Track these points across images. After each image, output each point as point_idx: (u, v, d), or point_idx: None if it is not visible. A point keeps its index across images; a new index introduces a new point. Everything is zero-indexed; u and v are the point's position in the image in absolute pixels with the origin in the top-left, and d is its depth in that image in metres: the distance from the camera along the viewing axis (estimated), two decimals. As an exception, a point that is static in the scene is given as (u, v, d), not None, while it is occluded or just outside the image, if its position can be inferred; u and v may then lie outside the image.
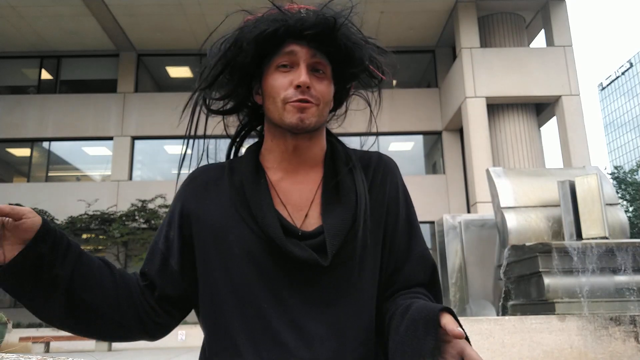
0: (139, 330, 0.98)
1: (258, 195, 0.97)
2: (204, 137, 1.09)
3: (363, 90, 1.13)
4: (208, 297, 0.97)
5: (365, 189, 1.00)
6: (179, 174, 1.10)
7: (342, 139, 1.13)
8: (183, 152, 1.07)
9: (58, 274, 0.88)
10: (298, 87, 0.95)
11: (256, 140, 1.12)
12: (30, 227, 0.86)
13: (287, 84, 0.96)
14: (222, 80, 1.04)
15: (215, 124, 1.12)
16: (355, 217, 0.97)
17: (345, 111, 1.15)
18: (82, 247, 0.94)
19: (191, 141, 1.06)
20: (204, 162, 1.10)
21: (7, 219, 0.86)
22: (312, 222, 0.98)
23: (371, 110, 1.13)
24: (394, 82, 17.82)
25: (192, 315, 1.08)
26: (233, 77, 1.03)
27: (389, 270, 1.02)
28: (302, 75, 0.96)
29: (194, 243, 0.99)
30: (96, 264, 0.94)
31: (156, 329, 1.00)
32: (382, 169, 1.07)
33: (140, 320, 0.97)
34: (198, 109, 1.06)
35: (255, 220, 0.95)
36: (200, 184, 1.04)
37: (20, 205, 0.87)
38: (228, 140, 1.14)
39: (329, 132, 1.12)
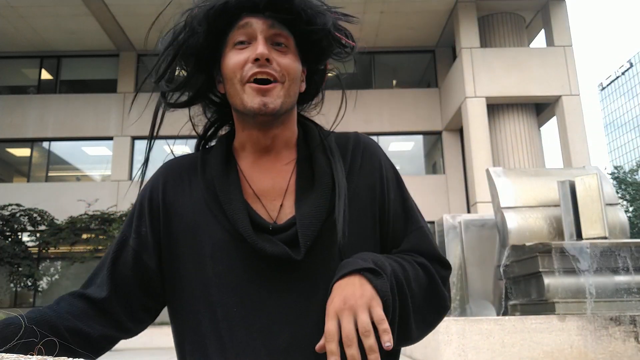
0: (108, 344, 0.90)
1: (227, 189, 0.90)
2: (175, 137, 1.01)
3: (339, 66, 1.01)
4: (179, 298, 0.91)
5: (343, 172, 0.91)
6: (143, 175, 1.01)
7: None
8: (147, 154, 0.99)
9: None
10: (256, 60, 0.86)
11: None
12: None
13: (243, 61, 0.87)
14: (177, 69, 0.95)
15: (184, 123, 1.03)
16: (332, 203, 0.88)
17: (322, 97, 1.04)
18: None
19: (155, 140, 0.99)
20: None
21: None
22: (287, 212, 0.90)
23: (342, 86, 1.01)
24: (394, 82, 17.84)
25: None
26: (188, 64, 0.94)
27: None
28: (259, 47, 0.86)
29: (165, 238, 0.92)
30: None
31: (124, 337, 0.93)
32: (362, 151, 0.97)
33: (106, 338, 0.88)
34: (159, 105, 0.97)
35: (226, 217, 0.88)
36: (175, 175, 0.97)
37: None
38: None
39: (300, 115, 1.03)
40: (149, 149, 1.00)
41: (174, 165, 0.99)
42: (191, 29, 0.90)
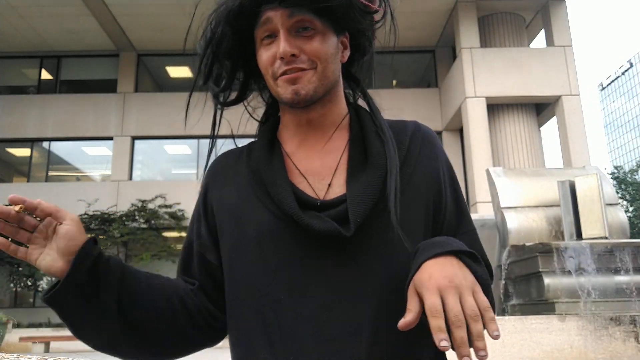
0: (200, 340, 0.93)
1: (271, 169, 0.88)
2: (232, 136, 1.02)
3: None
4: (228, 289, 0.90)
5: (396, 152, 0.87)
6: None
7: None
8: (208, 157, 1.00)
9: (104, 300, 0.82)
10: (282, 58, 0.86)
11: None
12: (65, 236, 0.80)
13: (272, 58, 0.88)
14: (219, 70, 0.97)
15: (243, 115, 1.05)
16: (385, 183, 0.84)
17: (372, 57, 1.06)
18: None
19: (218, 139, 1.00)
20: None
21: (52, 222, 0.81)
22: (336, 191, 0.87)
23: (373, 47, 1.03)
24: (394, 82, 17.84)
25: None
26: (227, 64, 0.96)
27: None
28: (281, 45, 0.85)
29: (219, 231, 0.93)
30: (143, 279, 0.88)
31: (215, 334, 0.95)
32: (421, 139, 0.94)
33: (199, 329, 0.92)
34: (214, 107, 0.99)
35: (271, 198, 0.86)
36: (220, 170, 0.97)
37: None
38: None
39: (350, 96, 1.04)
40: (211, 152, 1.00)
41: (222, 159, 1.00)
42: (220, 33, 0.91)
